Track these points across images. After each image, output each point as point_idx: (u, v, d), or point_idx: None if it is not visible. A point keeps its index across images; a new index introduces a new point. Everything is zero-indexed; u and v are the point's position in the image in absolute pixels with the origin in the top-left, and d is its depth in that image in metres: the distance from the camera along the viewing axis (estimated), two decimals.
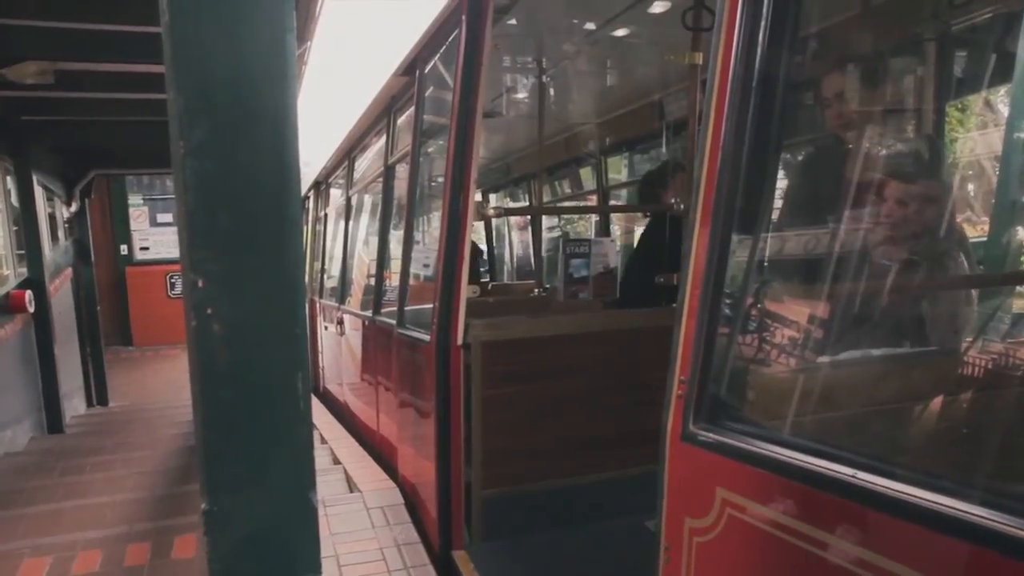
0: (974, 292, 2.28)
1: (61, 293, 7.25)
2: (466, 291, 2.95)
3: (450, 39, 3.14)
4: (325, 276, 7.41)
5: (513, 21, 3.46)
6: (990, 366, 1.86)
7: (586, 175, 6.86)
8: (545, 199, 6.42)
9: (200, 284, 1.00)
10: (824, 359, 1.81)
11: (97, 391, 8.46)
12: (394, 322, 3.85)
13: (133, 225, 12.32)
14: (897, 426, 1.71)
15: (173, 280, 12.11)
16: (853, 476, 1.20)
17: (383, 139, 4.66)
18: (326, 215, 7.73)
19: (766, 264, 1.69)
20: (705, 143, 1.56)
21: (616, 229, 6.37)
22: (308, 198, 8.25)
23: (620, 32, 3.70)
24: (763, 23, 1.48)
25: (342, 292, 6.12)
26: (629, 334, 3.21)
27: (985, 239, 2.49)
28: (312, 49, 4.51)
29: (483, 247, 8.26)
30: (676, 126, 4.44)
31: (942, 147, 2.59)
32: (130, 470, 4.81)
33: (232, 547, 1.08)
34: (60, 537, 3.52)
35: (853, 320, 1.79)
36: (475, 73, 2.84)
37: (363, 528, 3.35)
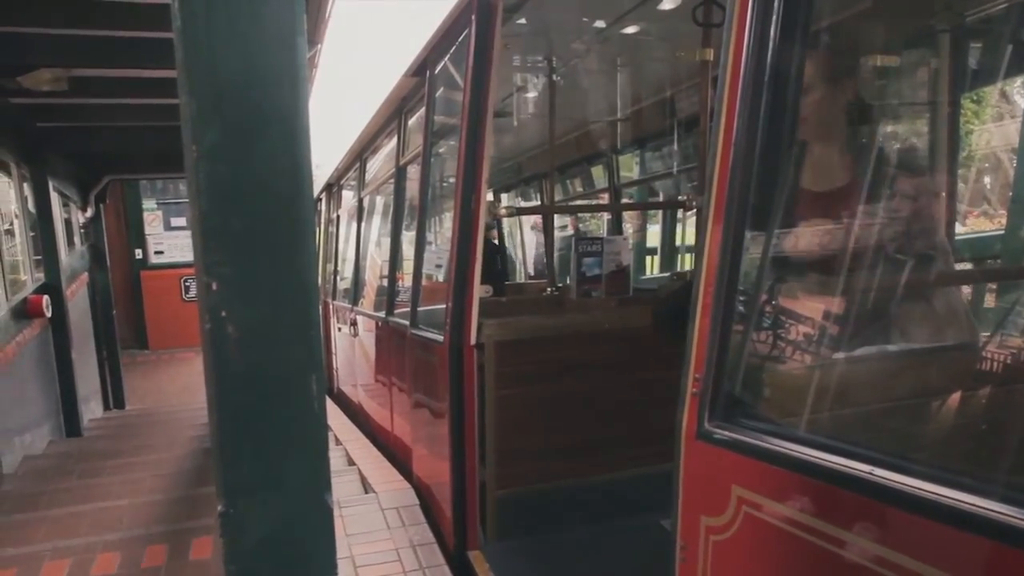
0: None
1: (78, 298, 7.31)
2: (479, 291, 2.95)
3: (460, 39, 3.14)
4: (338, 278, 7.44)
5: (523, 20, 3.46)
6: (1010, 361, 1.84)
7: (598, 173, 6.86)
8: (557, 198, 6.41)
9: (214, 287, 1.00)
10: (840, 355, 1.80)
11: (114, 394, 8.53)
12: (407, 323, 3.86)
13: (147, 229, 12.41)
14: (915, 422, 1.69)
15: (187, 283, 12.19)
16: (870, 473, 1.19)
17: (394, 140, 4.67)
18: (338, 217, 7.75)
19: (780, 260, 1.67)
20: (717, 139, 1.55)
21: (628, 227, 6.36)
22: (320, 200, 8.28)
23: (630, 29, 3.68)
24: (774, 17, 1.46)
25: (355, 293, 6.13)
26: (642, 332, 3.19)
27: (1003, 232, 2.46)
28: (323, 51, 4.52)
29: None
30: (687, 123, 4.44)
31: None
32: (147, 473, 4.85)
33: (248, 549, 1.08)
34: (79, 540, 3.56)
35: (868, 315, 1.78)
36: (485, 73, 2.84)
37: (378, 529, 3.36)
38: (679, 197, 5.80)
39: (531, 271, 8.97)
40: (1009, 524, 0.98)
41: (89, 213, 7.92)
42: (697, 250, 1.62)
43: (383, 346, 4.83)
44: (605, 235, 6.14)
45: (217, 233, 1.00)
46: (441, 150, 3.96)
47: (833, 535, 1.25)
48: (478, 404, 2.98)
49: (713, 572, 1.56)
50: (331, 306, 7.35)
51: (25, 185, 5.90)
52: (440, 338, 3.14)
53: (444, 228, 4.44)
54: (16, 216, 5.86)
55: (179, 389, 9.55)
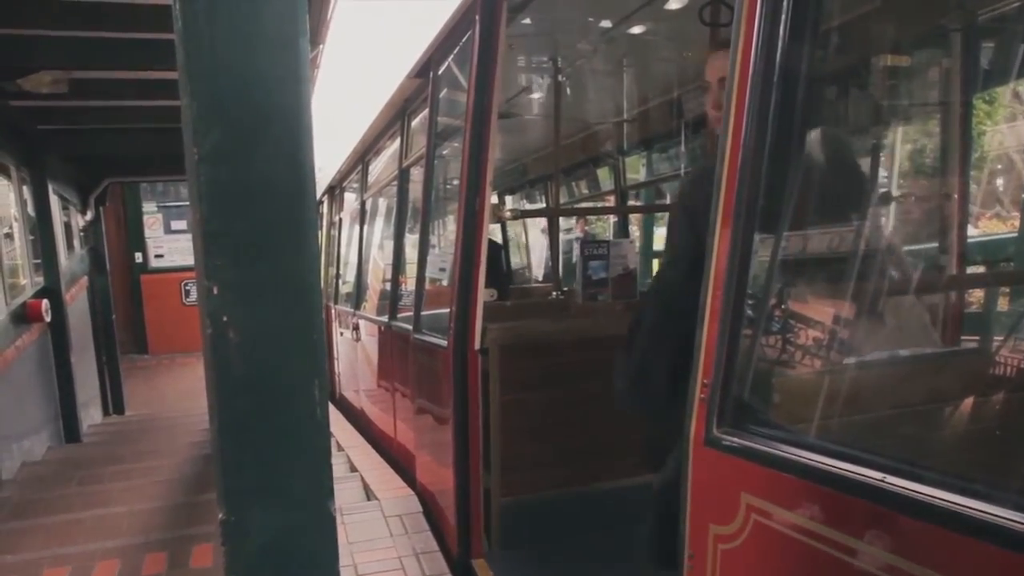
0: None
1: (77, 302, 7.29)
2: (483, 295, 2.92)
3: (464, 40, 3.12)
4: (340, 281, 7.42)
5: (527, 20, 3.44)
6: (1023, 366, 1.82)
7: (603, 175, 6.83)
8: (563, 200, 6.39)
9: (215, 291, 0.98)
10: (850, 360, 1.78)
11: (113, 400, 8.51)
12: (410, 327, 3.83)
13: (147, 232, 12.40)
14: (927, 428, 1.67)
15: (188, 287, 12.17)
16: (882, 480, 1.16)
17: (397, 142, 4.65)
18: (340, 220, 7.74)
19: (788, 264, 1.65)
20: (726, 141, 1.53)
21: (635, 230, 6.34)
22: (322, 203, 8.27)
23: (636, 29, 3.66)
24: (783, 17, 1.44)
25: (357, 297, 6.11)
26: None
27: (1016, 235, 2.43)
28: (325, 52, 4.51)
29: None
30: (695, 124, 4.41)
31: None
32: (147, 479, 4.83)
33: (250, 557, 1.07)
34: (79, 547, 3.53)
35: (878, 320, 1.75)
36: (490, 74, 2.82)
37: (381, 536, 3.33)
38: None
39: (538, 276, 8.91)
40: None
41: (89, 216, 7.91)
42: (705, 253, 1.60)
43: (386, 351, 4.80)
44: (611, 238, 6.13)
45: (218, 237, 0.98)
46: (445, 152, 3.94)
47: (845, 543, 1.23)
48: (482, 410, 2.95)
49: None
50: (333, 310, 7.34)
51: (24, 188, 5.89)
52: (443, 343, 3.11)
53: (447, 231, 4.42)
54: (15, 219, 5.85)
55: (179, 394, 9.53)
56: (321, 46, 4.29)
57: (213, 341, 0.99)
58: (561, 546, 3.06)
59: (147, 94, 5.03)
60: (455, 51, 3.32)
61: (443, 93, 3.57)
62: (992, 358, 1.90)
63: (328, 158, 7.05)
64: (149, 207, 12.41)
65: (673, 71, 4.32)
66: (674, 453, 1.98)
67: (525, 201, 8.88)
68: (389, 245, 5.21)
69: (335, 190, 7.88)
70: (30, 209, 6.01)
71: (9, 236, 5.70)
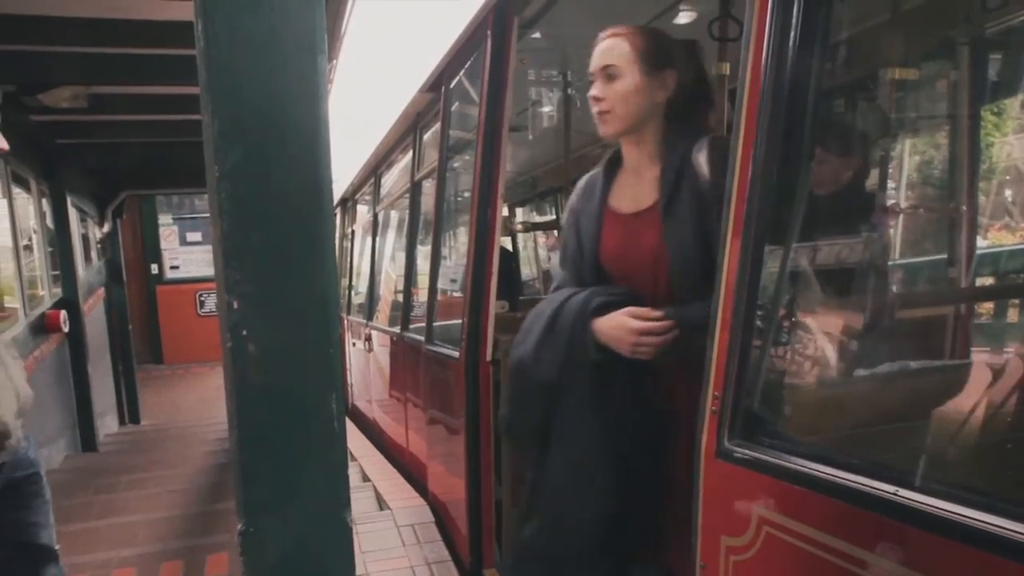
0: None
1: (94, 313, 7.37)
2: (495, 306, 2.94)
3: (475, 54, 3.15)
4: (353, 293, 7.46)
5: (537, 35, 3.47)
6: None
7: None
8: None
9: (235, 305, 1.00)
10: (862, 372, 1.78)
11: (129, 409, 8.57)
12: (422, 338, 3.85)
13: (163, 244, 12.51)
14: (942, 440, 1.67)
15: (203, 298, 12.25)
16: (895, 493, 1.17)
17: (409, 155, 4.69)
18: (353, 232, 7.79)
19: (800, 275, 1.66)
20: (736, 154, 1.54)
21: None
22: (335, 215, 8.32)
23: None
24: (793, 33, 1.46)
25: (370, 308, 6.14)
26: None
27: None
28: (338, 67, 4.56)
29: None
30: None
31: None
32: (163, 488, 4.86)
33: (268, 567, 1.08)
34: (95, 555, 3.57)
35: (891, 332, 1.76)
36: (501, 88, 2.85)
37: (394, 546, 3.34)
38: None
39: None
40: None
41: (106, 228, 8.00)
42: (716, 265, 1.61)
43: (398, 362, 4.82)
44: None
45: (238, 252, 1.00)
46: (456, 165, 3.97)
47: (857, 556, 1.23)
48: (493, 421, 2.96)
49: None
50: (345, 321, 7.38)
51: (44, 200, 5.98)
52: (455, 354, 3.13)
53: (459, 243, 4.44)
54: (35, 231, 5.93)
55: (193, 404, 9.59)
56: (334, 61, 4.34)
57: (233, 354, 1.01)
58: None
59: (163, 108, 5.11)
60: (467, 65, 3.35)
61: (455, 107, 3.61)
62: (1004, 369, 1.90)
63: (340, 171, 7.10)
64: (165, 219, 12.52)
65: None
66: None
67: (535, 213, 8.90)
68: (401, 257, 5.25)
69: (348, 202, 7.93)
70: (49, 221, 6.09)
71: (28, 248, 5.78)
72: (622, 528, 1.77)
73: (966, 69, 2.44)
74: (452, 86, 3.58)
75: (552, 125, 4.69)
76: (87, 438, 6.48)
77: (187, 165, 6.20)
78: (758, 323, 1.54)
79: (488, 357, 2.92)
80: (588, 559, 1.80)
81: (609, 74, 1.70)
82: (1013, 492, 1.14)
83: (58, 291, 6.17)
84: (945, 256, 2.44)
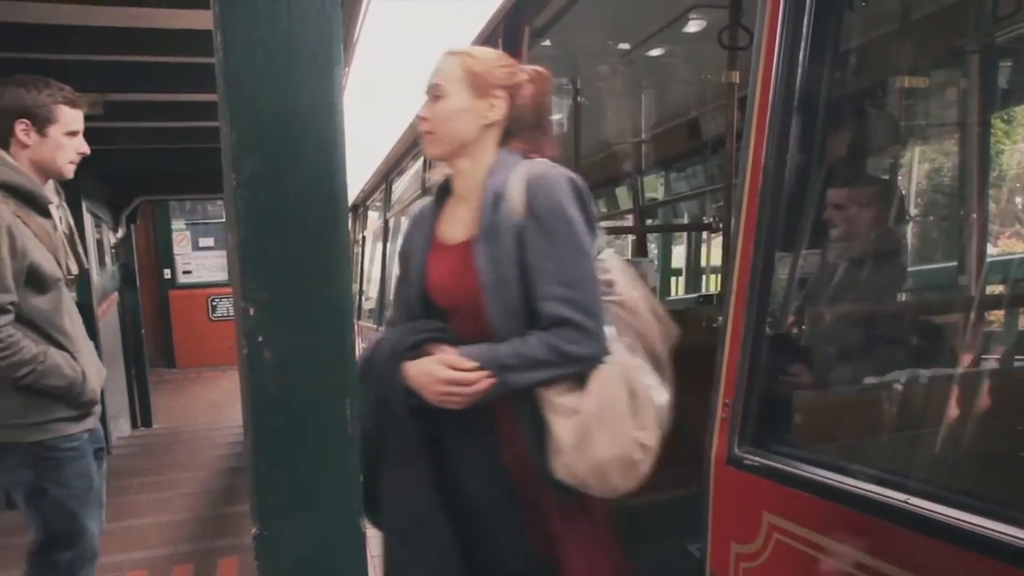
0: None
1: (108, 317, 7.42)
2: None
3: None
4: (363, 298, 7.49)
5: (548, 43, 3.49)
6: None
7: (622, 194, 6.86)
8: None
9: (252, 312, 1.01)
10: (873, 380, 1.78)
11: (142, 413, 8.61)
12: None
13: (176, 249, 12.58)
14: (952, 448, 1.67)
15: (215, 303, 12.31)
16: (905, 501, 1.17)
17: (420, 161, 4.71)
18: (364, 237, 7.82)
19: (810, 283, 1.67)
20: (747, 161, 1.55)
21: (653, 248, 6.34)
22: None
23: (655, 52, 3.70)
24: (803, 42, 1.47)
25: (380, 313, 6.17)
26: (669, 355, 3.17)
27: None
28: (350, 75, 4.59)
29: None
30: (713, 144, 4.43)
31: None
32: (175, 491, 4.89)
33: (282, 571, 1.09)
34: (107, 558, 3.58)
35: (902, 339, 1.76)
36: None
37: None
38: (704, 219, 5.78)
39: None
40: None
41: (120, 233, 8.05)
42: (725, 273, 1.62)
43: None
44: (629, 256, 6.13)
45: (255, 259, 1.01)
46: None
47: (868, 564, 1.23)
48: None
49: None
50: (356, 325, 7.39)
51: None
52: None
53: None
54: None
55: (205, 407, 9.63)
56: (346, 68, 4.37)
57: (249, 360, 1.02)
58: None
59: (178, 115, 5.15)
60: None
61: None
62: (1016, 377, 1.90)
63: (351, 177, 7.11)
64: (178, 224, 12.59)
65: (691, 92, 4.35)
66: None
67: None
68: None
69: (359, 208, 7.97)
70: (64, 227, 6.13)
71: None
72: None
73: (976, 77, 2.44)
74: None
75: (561, 132, 4.71)
76: None
77: (201, 171, 6.23)
78: (768, 330, 1.54)
79: None
80: None
81: (436, 94, 1.62)
82: None
83: (73, 295, 6.21)
84: (955, 264, 2.44)
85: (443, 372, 1.52)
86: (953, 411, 1.75)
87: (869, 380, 1.81)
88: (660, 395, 1.56)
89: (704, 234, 6.85)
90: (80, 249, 2.55)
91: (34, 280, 2.17)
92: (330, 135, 1.04)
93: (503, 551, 1.63)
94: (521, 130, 1.66)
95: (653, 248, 7.01)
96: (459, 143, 1.62)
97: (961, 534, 1.07)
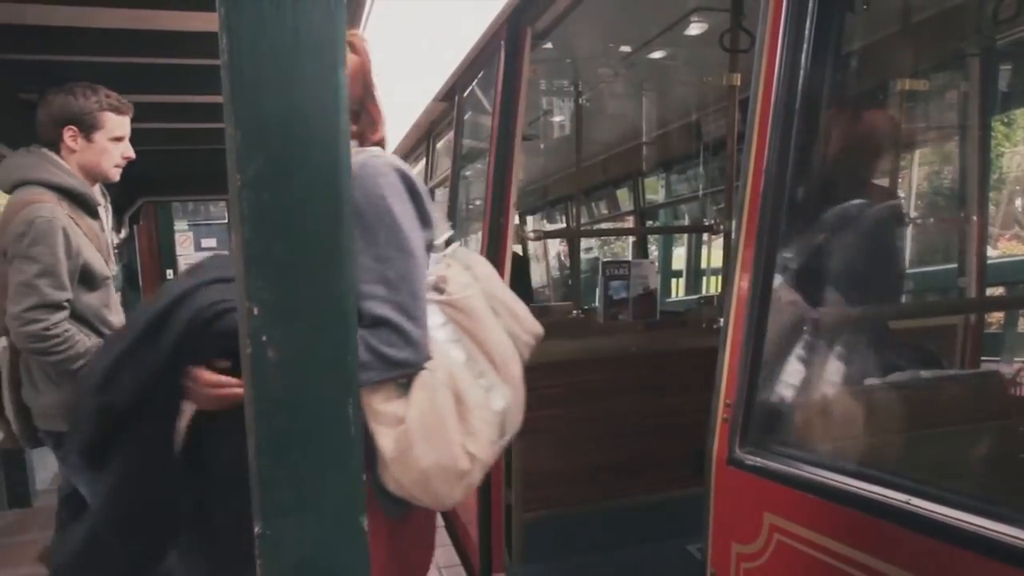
0: None
1: None
2: None
3: (489, 65, 3.18)
4: None
5: (550, 45, 3.51)
6: None
7: (623, 196, 6.87)
8: (581, 221, 6.41)
9: (256, 312, 1.02)
10: (874, 381, 1.78)
11: None
12: None
13: (178, 250, 12.59)
14: (955, 450, 1.67)
15: None
16: (907, 502, 1.17)
17: (422, 163, 4.73)
18: None
19: (813, 284, 1.67)
20: (748, 164, 1.56)
21: (653, 249, 6.35)
22: None
23: (656, 55, 3.71)
24: (805, 45, 1.48)
25: None
26: (671, 356, 3.18)
27: None
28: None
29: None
30: (714, 146, 4.44)
31: None
32: None
33: (284, 570, 1.09)
34: None
35: (904, 340, 1.76)
36: (514, 98, 2.88)
37: None
38: (705, 221, 5.79)
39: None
40: None
41: (123, 234, 8.07)
42: (726, 275, 1.62)
43: None
44: (631, 258, 6.14)
45: (259, 259, 1.02)
46: (468, 173, 4.00)
47: (868, 564, 1.23)
48: None
49: None
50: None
51: None
52: None
53: (471, 249, 4.45)
54: None
55: None
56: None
57: (252, 360, 1.03)
58: (582, 562, 3.07)
59: (182, 116, 5.16)
60: (480, 75, 3.38)
61: (468, 116, 3.64)
62: (1016, 379, 1.90)
63: None
64: (180, 225, 12.63)
65: (692, 95, 4.36)
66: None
67: (545, 221, 8.93)
68: None
69: None
70: None
71: None
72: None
73: (976, 80, 2.44)
74: (465, 95, 3.61)
75: (563, 134, 4.73)
76: None
77: (204, 173, 6.25)
78: (769, 331, 1.55)
79: None
80: None
81: None
82: None
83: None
84: (955, 266, 2.44)
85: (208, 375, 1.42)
86: (953, 412, 1.76)
87: (870, 381, 1.81)
88: (496, 400, 1.47)
89: (704, 236, 6.86)
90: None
91: (85, 278, 2.29)
92: (334, 136, 1.04)
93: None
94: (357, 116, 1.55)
95: (654, 250, 7.01)
96: None
97: (963, 535, 1.07)
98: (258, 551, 1.08)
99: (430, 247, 1.53)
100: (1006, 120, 2.89)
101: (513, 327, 1.60)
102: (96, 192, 2.45)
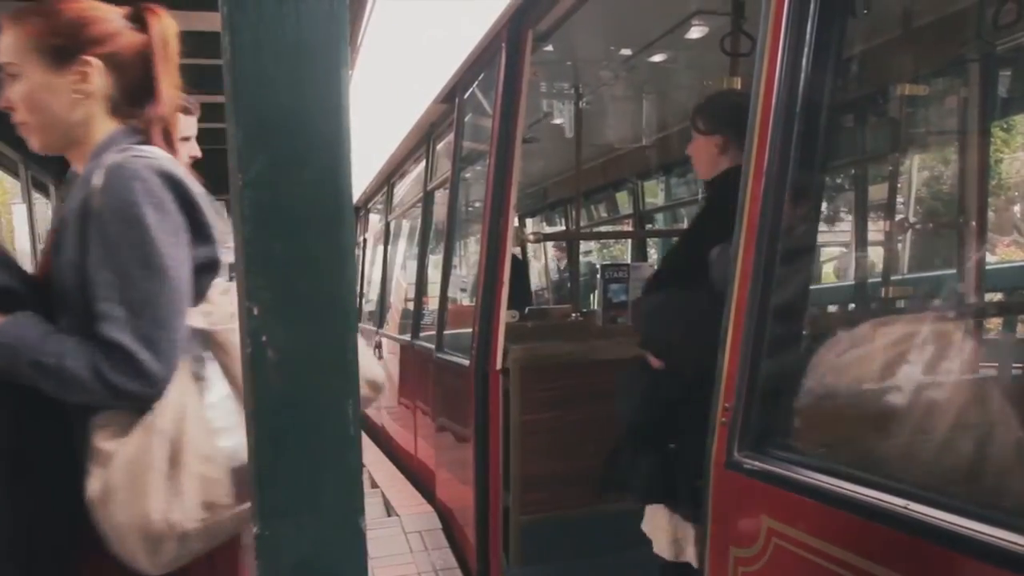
0: None
1: None
2: (506, 316, 2.96)
3: (490, 66, 3.18)
4: (363, 301, 7.49)
5: (550, 48, 3.51)
6: None
7: (622, 199, 6.87)
8: (582, 224, 6.42)
9: (255, 311, 1.01)
10: (872, 385, 1.78)
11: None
12: (433, 346, 3.87)
13: None
14: (952, 454, 1.67)
15: None
16: (905, 507, 1.17)
17: (422, 165, 4.73)
18: (364, 240, 7.83)
19: (812, 288, 1.67)
20: (749, 167, 1.56)
21: (652, 253, 6.35)
22: None
23: (657, 58, 3.72)
24: (806, 48, 1.48)
25: (380, 316, 6.17)
26: None
27: None
28: (353, 78, 4.61)
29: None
30: None
31: None
32: None
33: (283, 570, 1.09)
34: None
35: (904, 343, 1.76)
36: (515, 100, 2.88)
37: (401, 552, 3.35)
38: None
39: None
40: None
41: None
42: (728, 277, 1.62)
43: (407, 369, 4.84)
44: (630, 261, 6.15)
45: (260, 259, 1.02)
46: (468, 175, 4.00)
47: (866, 569, 1.23)
48: (502, 429, 2.98)
49: None
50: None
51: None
52: (466, 362, 3.15)
53: (470, 252, 4.46)
54: None
55: None
56: (351, 72, 4.38)
57: (252, 359, 1.02)
58: (579, 565, 3.06)
59: None
60: (481, 77, 3.38)
61: (468, 118, 3.64)
62: (1016, 384, 1.90)
63: (354, 180, 7.13)
64: None
65: (693, 98, 4.36)
66: None
67: (545, 224, 8.94)
68: (412, 266, 5.27)
69: (359, 211, 7.98)
70: None
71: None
72: None
73: (976, 85, 2.45)
74: (466, 97, 3.61)
75: (564, 137, 4.73)
76: None
77: (204, 172, 6.24)
78: (768, 334, 1.55)
79: (498, 366, 2.94)
80: None
81: (10, 73, 1.29)
82: None
83: None
84: (954, 271, 2.45)
85: None
86: (952, 416, 1.76)
87: (869, 385, 1.81)
88: (237, 457, 1.22)
89: None
90: None
91: None
92: (337, 136, 1.04)
93: None
94: (124, 102, 1.35)
95: (653, 253, 7.01)
96: (61, 130, 1.33)
97: (961, 539, 1.07)
98: (257, 552, 1.07)
99: (211, 267, 1.34)
100: (1005, 126, 2.90)
101: None
102: None
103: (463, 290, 4.62)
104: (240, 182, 1.00)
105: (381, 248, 6.48)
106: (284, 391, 1.05)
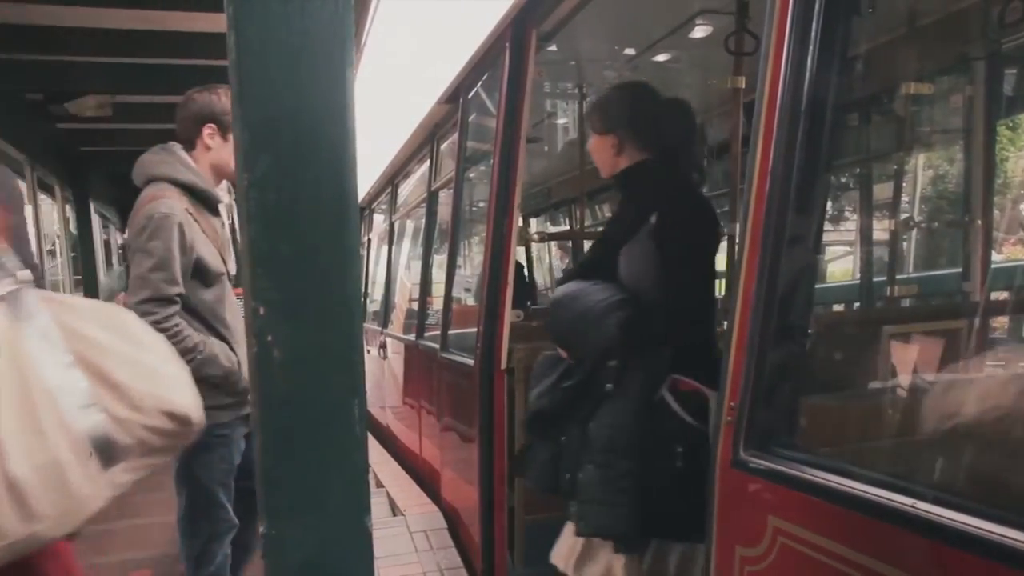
0: None
1: None
2: (510, 315, 2.96)
3: (494, 67, 3.18)
4: (368, 300, 7.49)
5: (554, 48, 3.51)
6: None
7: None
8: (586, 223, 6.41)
9: (261, 312, 1.02)
10: (878, 384, 1.78)
11: None
12: (437, 346, 3.87)
13: None
14: (958, 452, 1.67)
15: None
16: (912, 506, 1.17)
17: (426, 165, 4.73)
18: (369, 240, 7.83)
19: (817, 288, 1.67)
20: (754, 167, 1.56)
21: None
22: None
23: (661, 57, 3.71)
24: (811, 47, 1.47)
25: (384, 316, 6.18)
26: None
27: None
28: (357, 78, 4.62)
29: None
30: (718, 149, 4.43)
31: None
32: None
33: (290, 570, 1.09)
34: (111, 557, 3.59)
35: (909, 344, 1.76)
36: (519, 100, 2.88)
37: (407, 552, 3.36)
38: None
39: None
40: None
41: (127, 234, 8.08)
42: (730, 278, 1.62)
43: (412, 369, 4.84)
44: None
45: (266, 259, 1.02)
46: (472, 176, 4.00)
47: (872, 568, 1.23)
48: (507, 428, 2.97)
49: None
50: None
51: (67, 207, 6.06)
52: (470, 362, 3.15)
53: (474, 252, 4.47)
54: (58, 236, 6.02)
55: None
56: (355, 72, 4.39)
57: (258, 359, 1.03)
58: None
59: None
60: (485, 77, 3.38)
61: (472, 118, 3.64)
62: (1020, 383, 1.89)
63: (358, 179, 7.13)
64: None
65: (696, 98, 4.35)
66: None
67: (549, 224, 8.93)
68: (417, 266, 5.28)
69: (364, 211, 7.98)
70: (72, 227, 6.18)
71: (52, 253, 5.86)
72: None
73: (982, 84, 2.44)
74: (470, 97, 3.61)
75: (567, 137, 4.73)
76: None
77: None
78: (773, 334, 1.54)
79: (503, 365, 2.94)
80: None
81: None
82: None
83: (80, 295, 6.25)
84: (960, 270, 2.44)
85: None
86: (957, 415, 1.75)
87: (875, 384, 1.81)
88: None
89: None
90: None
91: (200, 274, 2.32)
92: (342, 136, 1.04)
93: None
94: None
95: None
96: None
97: (967, 538, 1.07)
98: (263, 551, 1.08)
99: None
100: (1011, 124, 2.89)
101: (114, 407, 1.40)
102: (221, 189, 2.52)
103: (467, 290, 4.62)
104: (246, 181, 1.00)
105: (385, 248, 6.48)
106: (290, 390, 1.05)
